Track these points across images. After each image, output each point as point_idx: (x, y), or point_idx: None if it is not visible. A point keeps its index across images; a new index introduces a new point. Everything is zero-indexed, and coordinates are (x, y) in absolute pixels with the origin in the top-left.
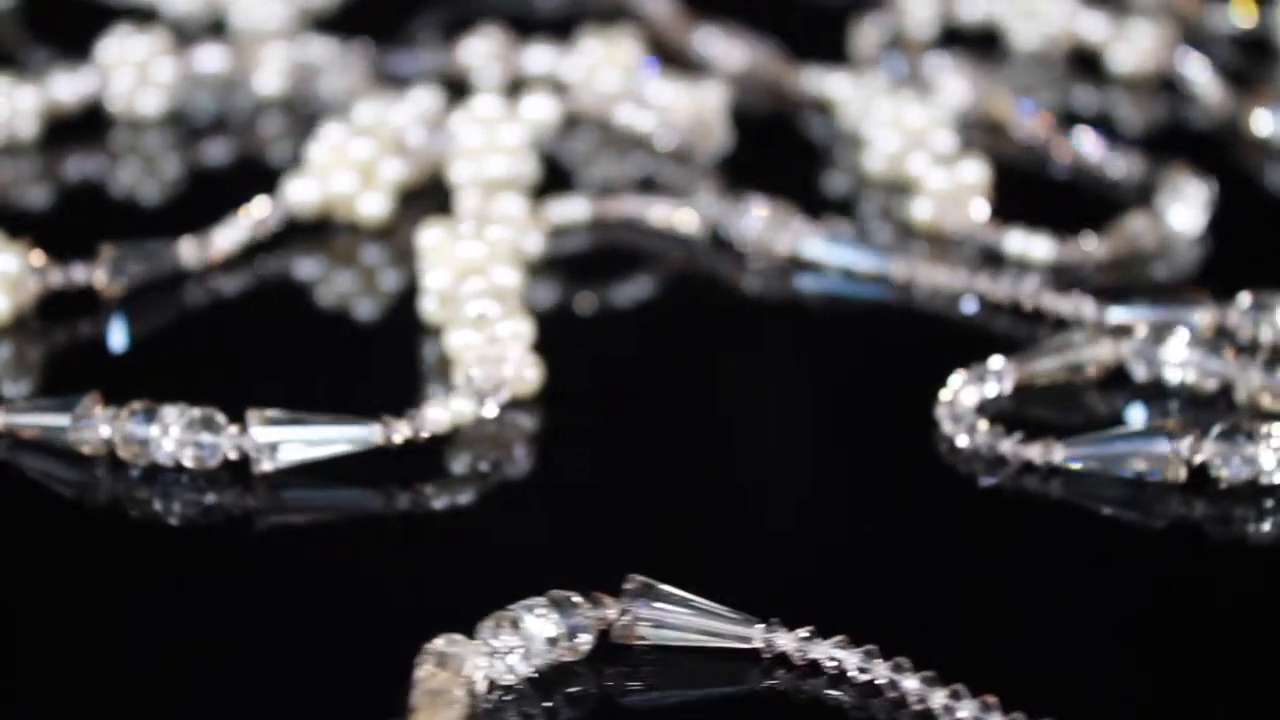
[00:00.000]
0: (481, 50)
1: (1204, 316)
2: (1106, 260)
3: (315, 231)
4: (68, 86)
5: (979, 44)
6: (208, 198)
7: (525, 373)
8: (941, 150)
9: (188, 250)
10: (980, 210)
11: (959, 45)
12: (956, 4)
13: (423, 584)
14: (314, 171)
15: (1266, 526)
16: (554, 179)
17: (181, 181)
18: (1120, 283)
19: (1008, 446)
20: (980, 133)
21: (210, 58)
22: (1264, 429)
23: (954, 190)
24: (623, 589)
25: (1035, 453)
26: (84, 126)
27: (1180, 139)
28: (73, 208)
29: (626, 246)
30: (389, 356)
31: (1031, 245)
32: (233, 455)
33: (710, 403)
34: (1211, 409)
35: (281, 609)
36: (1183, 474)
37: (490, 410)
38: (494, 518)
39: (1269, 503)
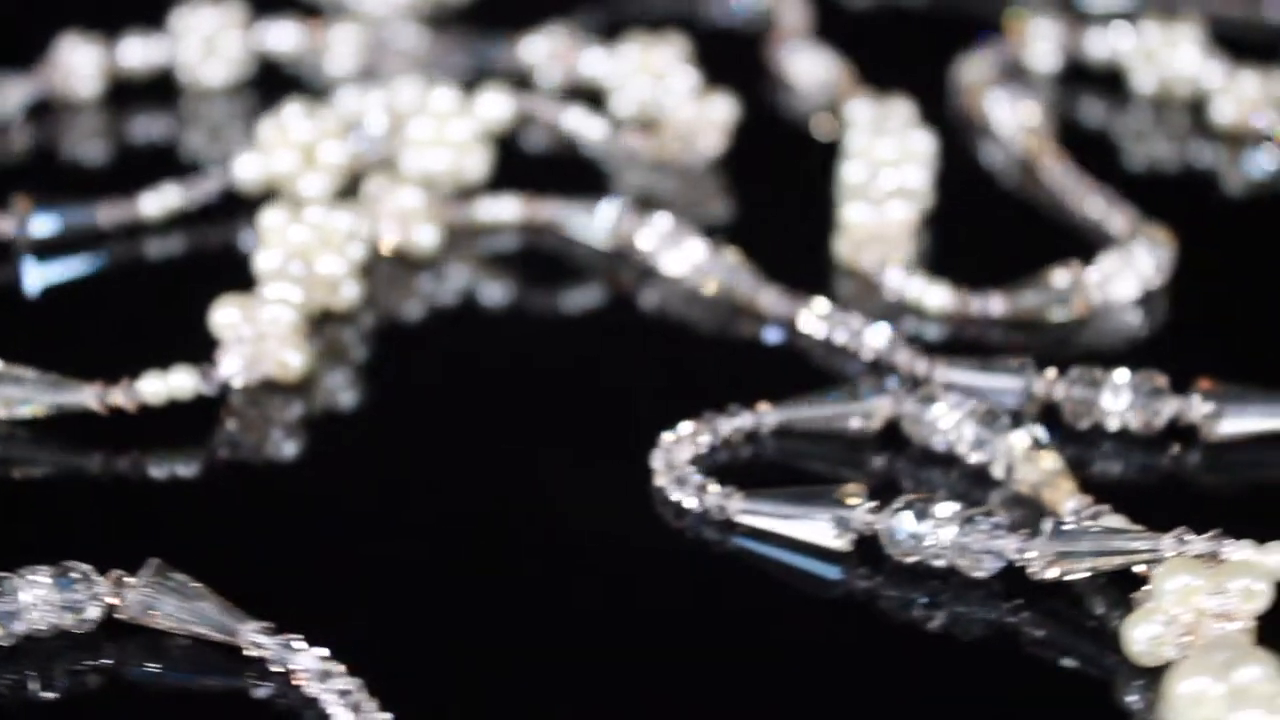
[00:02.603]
0: (543, 50)
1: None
2: (1009, 317)
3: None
4: (139, 52)
5: (1104, 84)
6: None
7: (284, 357)
8: (907, 186)
9: (108, 212)
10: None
11: (1083, 83)
12: (1085, 40)
13: (76, 549)
14: (260, 148)
15: (925, 611)
16: (588, 183)
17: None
18: (982, 341)
19: (690, 495)
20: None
21: (283, 35)
22: (936, 508)
23: (876, 226)
24: (140, 571)
25: (712, 503)
26: (152, 92)
27: (1238, 202)
28: (109, 168)
29: (546, 249)
30: None
31: (928, 294)
32: None
33: (490, 416)
34: (976, 480)
35: None
36: (846, 544)
37: (211, 388)
38: (178, 493)
39: (933, 584)
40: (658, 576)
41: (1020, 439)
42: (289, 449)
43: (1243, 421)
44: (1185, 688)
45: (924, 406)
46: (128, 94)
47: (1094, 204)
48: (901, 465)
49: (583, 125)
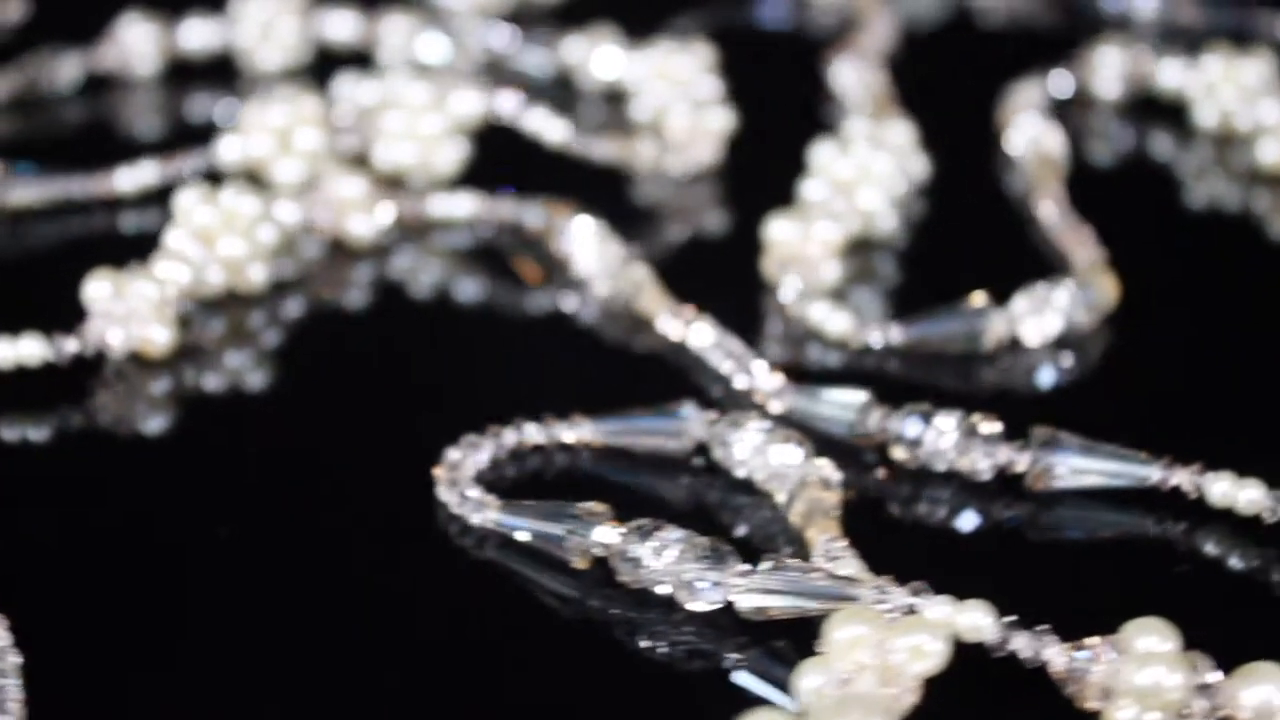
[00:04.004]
0: (584, 51)
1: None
2: (907, 349)
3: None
4: (199, 34)
5: (1170, 115)
6: None
7: (149, 333)
8: (862, 206)
9: (83, 184)
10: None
11: (1148, 114)
12: (1155, 68)
13: None
14: (242, 131)
15: (649, 639)
16: (607, 188)
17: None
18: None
19: (456, 499)
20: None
21: (341, 24)
22: (661, 533)
23: (799, 246)
24: None
25: (471, 510)
26: (210, 75)
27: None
28: (153, 145)
29: (499, 248)
30: None
31: (829, 320)
32: None
33: (365, 409)
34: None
35: None
36: (583, 562)
37: (61, 357)
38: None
39: (654, 613)
40: (405, 577)
41: (809, 472)
42: (154, 424)
43: (1073, 475)
44: None
45: (727, 431)
46: (186, 75)
47: (1066, 238)
48: (714, 490)
49: (545, 127)
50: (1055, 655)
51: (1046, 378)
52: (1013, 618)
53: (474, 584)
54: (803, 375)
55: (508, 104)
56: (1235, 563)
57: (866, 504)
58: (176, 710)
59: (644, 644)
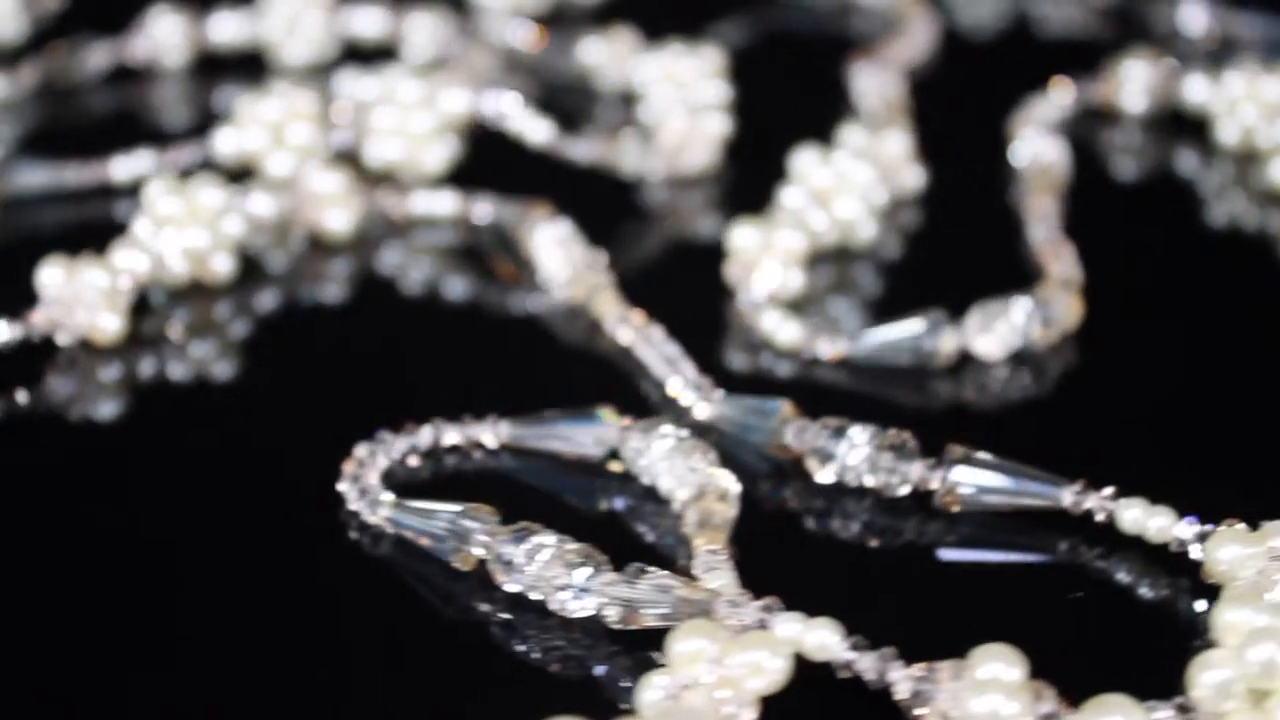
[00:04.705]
0: (602, 53)
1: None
2: (855, 361)
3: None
4: (227, 27)
5: (1194, 131)
6: None
7: (99, 321)
8: (840, 215)
9: (79, 172)
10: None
11: (1170, 129)
12: (1181, 84)
13: None
14: (237, 123)
15: (524, 644)
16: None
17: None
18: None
19: (353, 497)
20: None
21: (367, 20)
22: (536, 538)
23: (760, 252)
24: None
25: (364, 506)
26: (238, 68)
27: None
28: (171, 136)
29: (481, 246)
30: None
31: (781, 330)
32: None
33: (311, 403)
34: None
35: None
36: (467, 565)
37: (8, 343)
38: None
39: (530, 617)
40: (302, 571)
41: (707, 482)
42: (104, 411)
43: (983, 495)
44: None
45: (636, 437)
46: (214, 68)
47: (1046, 254)
48: (624, 495)
49: (529, 128)
50: (899, 678)
51: (996, 394)
52: (859, 638)
53: (363, 580)
54: (734, 384)
55: (491, 103)
56: (1143, 591)
57: (777, 517)
58: (100, 690)
59: (518, 647)
